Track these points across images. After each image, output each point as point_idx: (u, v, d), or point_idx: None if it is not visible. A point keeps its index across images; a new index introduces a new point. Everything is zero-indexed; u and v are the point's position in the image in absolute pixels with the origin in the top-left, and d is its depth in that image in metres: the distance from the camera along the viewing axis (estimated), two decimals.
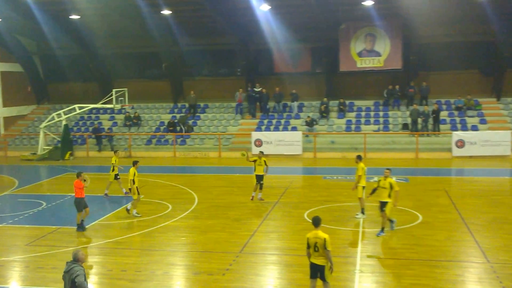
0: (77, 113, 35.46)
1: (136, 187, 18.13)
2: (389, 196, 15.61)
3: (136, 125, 37.01)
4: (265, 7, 30.00)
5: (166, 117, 37.57)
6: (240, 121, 36.23)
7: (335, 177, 25.37)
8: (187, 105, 38.26)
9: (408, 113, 33.75)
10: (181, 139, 35.11)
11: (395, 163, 28.09)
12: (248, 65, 38.00)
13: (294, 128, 34.27)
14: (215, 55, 39.05)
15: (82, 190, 16.73)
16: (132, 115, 37.25)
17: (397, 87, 35.02)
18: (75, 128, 37.66)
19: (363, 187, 17.73)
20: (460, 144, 30.16)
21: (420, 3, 29.03)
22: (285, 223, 17.82)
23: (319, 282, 10.78)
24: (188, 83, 39.41)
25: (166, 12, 31.96)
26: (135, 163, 18.66)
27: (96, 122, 37.50)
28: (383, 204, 15.67)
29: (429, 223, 17.03)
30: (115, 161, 21.78)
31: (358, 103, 36.45)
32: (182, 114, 37.02)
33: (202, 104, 38.44)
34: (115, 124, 37.85)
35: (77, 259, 9.13)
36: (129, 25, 35.11)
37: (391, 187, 15.58)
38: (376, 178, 23.69)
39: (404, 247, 14.75)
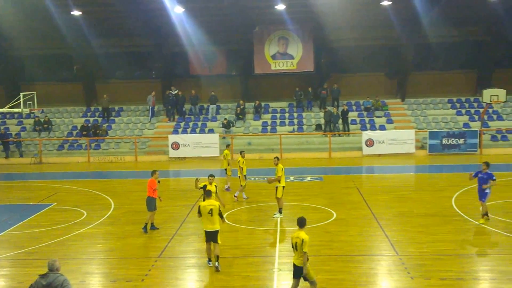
0: None
1: None
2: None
3: (46, 130, 35.65)
4: (179, 10, 29.93)
5: (79, 121, 36.51)
6: (156, 124, 35.88)
7: (252, 178, 25.72)
8: (100, 108, 37.34)
9: (321, 114, 34.87)
10: (96, 143, 34.24)
11: (310, 162, 28.91)
12: (163, 67, 37.73)
13: (211, 131, 34.42)
14: (130, 57, 38.48)
15: (155, 191, 16.57)
16: (42, 120, 35.84)
17: (309, 89, 36.08)
18: None
19: (283, 187, 18.16)
20: (370, 143, 31.56)
21: (330, 8, 30.08)
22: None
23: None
24: (101, 86, 38.52)
25: (76, 12, 31.07)
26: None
27: (2, 128, 35.73)
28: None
29: (343, 220, 17.74)
30: None
31: (273, 105, 37.19)
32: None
33: (116, 108, 37.69)
34: (23, 129, 36.27)
35: (56, 269, 8.79)
36: (38, 26, 33.80)
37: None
38: (292, 178, 24.37)
39: (320, 244, 15.25)
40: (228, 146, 24.04)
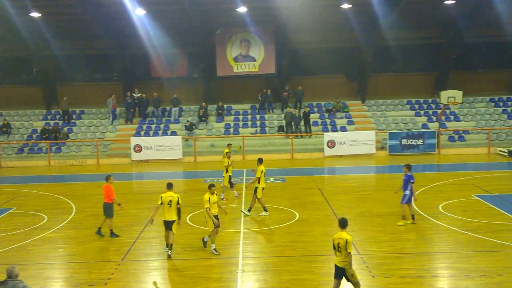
0: None
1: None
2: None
3: (5, 133, 34.83)
4: (140, 12, 29.75)
5: (39, 125, 35.81)
6: (118, 127, 35.50)
7: (215, 180, 25.75)
8: (61, 111, 36.72)
9: (283, 116, 35.16)
10: (56, 146, 33.64)
11: (273, 164, 29.09)
12: (124, 70, 37.34)
13: (173, 133, 34.28)
14: (91, 59, 37.96)
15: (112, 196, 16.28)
16: (1, 123, 35.01)
17: (269, 91, 36.32)
18: None
19: (263, 188, 18.58)
20: (331, 144, 31.99)
21: (291, 11, 30.42)
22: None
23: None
24: (62, 88, 37.90)
25: (35, 14, 30.50)
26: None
27: None
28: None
29: (305, 220, 17.96)
30: None
31: (235, 107, 37.29)
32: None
33: (77, 110, 37.13)
34: None
35: (15, 275, 8.61)
36: None
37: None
38: (272, 179, 24.45)
39: (284, 245, 15.42)
40: (229, 145, 23.74)
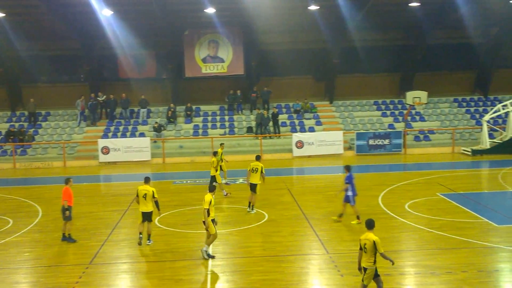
0: None
1: None
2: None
3: None
4: (107, 12, 29.44)
5: (4, 127, 35.13)
6: (85, 129, 35.05)
7: (184, 182, 25.69)
8: (26, 113, 36.06)
9: (252, 116, 35.26)
10: (22, 149, 33.02)
11: (242, 165, 29.07)
12: (91, 71, 36.86)
13: (142, 134, 34.02)
14: (57, 60, 37.27)
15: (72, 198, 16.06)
16: None
17: (237, 92, 36.37)
18: None
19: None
20: (300, 145, 32.22)
21: (260, 12, 30.51)
22: (136, 230, 17.65)
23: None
24: (27, 90, 37.25)
25: None
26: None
27: None
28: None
29: (275, 221, 18.06)
30: None
31: (204, 108, 37.24)
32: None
33: (43, 112, 36.51)
34: None
35: None
36: None
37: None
38: (224, 181, 24.51)
39: (253, 245, 15.49)
40: (221, 145, 24.81)
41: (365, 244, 10.75)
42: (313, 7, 30.61)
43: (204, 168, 29.50)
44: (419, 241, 15.63)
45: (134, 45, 33.79)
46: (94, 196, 21.89)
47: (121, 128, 35.01)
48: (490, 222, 17.17)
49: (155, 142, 33.05)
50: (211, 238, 14.35)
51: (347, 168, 17.44)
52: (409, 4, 31.10)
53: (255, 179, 19.18)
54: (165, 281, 12.90)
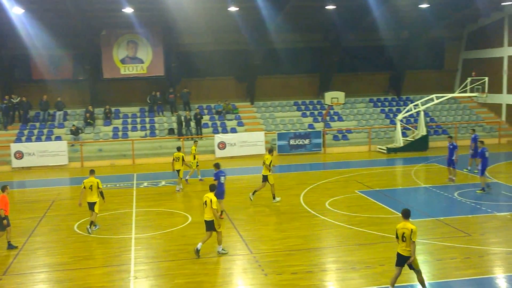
0: None
1: None
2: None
3: None
4: (19, 10, 28.12)
5: None
6: None
7: (104, 185, 24.97)
8: None
9: (173, 118, 34.90)
10: None
11: (164, 167, 28.80)
12: (2, 71, 35.01)
13: (58, 138, 32.72)
14: None
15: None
16: None
17: (157, 93, 35.89)
18: None
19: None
20: (222, 146, 32.24)
21: (180, 12, 30.20)
22: (54, 237, 17.01)
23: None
24: None
25: None
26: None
27: None
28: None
29: (199, 223, 17.86)
30: None
31: (124, 109, 36.41)
32: None
33: None
34: None
35: None
36: None
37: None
38: (146, 184, 24.10)
39: (177, 248, 15.34)
40: (195, 142, 26.35)
41: (403, 233, 11.20)
42: (232, 8, 30.72)
43: (125, 171, 28.92)
44: (339, 237, 16.11)
45: (48, 44, 32.43)
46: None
47: (35, 131, 33.51)
48: None
49: (72, 145, 31.92)
50: (219, 235, 14.62)
51: (216, 166, 18.30)
52: (326, 7, 31.89)
53: (265, 171, 20.33)
54: None
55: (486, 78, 33.54)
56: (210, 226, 14.41)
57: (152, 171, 28.85)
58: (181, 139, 32.77)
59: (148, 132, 34.36)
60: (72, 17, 30.87)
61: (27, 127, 33.72)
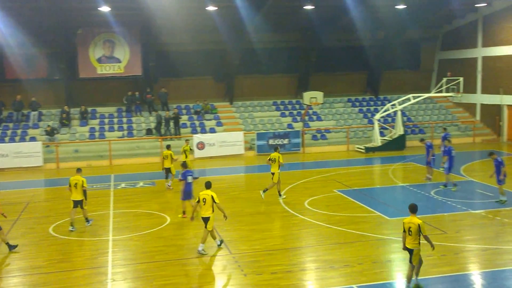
0: None
1: None
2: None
3: None
4: None
5: None
6: None
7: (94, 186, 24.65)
8: None
9: (151, 118, 34.60)
10: None
11: (142, 168, 28.56)
12: None
13: (32, 139, 32.18)
14: None
15: None
16: None
17: (136, 93, 35.57)
18: None
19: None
20: (201, 146, 32.07)
21: (157, 11, 29.94)
22: (29, 240, 16.66)
23: None
24: None
25: None
26: None
27: None
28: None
29: (176, 224, 17.83)
30: None
31: (100, 110, 35.97)
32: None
33: None
34: None
35: None
36: None
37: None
38: (124, 185, 23.84)
39: (155, 250, 15.17)
40: (187, 141, 26.66)
41: (409, 227, 11.57)
42: (211, 8, 30.56)
43: (101, 172, 28.55)
44: (318, 236, 16.12)
45: (23, 43, 31.87)
46: None
47: (8, 132, 32.90)
48: (382, 215, 18.09)
49: (47, 146, 31.43)
50: (212, 232, 14.81)
51: (183, 165, 18.38)
52: (304, 7, 31.95)
53: (274, 168, 20.47)
54: None
55: (461, 78, 33.97)
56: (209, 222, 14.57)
57: (129, 172, 28.55)
58: (160, 139, 32.51)
59: (125, 132, 34.00)
60: (47, 15, 30.41)
61: (0, 128, 33.09)
